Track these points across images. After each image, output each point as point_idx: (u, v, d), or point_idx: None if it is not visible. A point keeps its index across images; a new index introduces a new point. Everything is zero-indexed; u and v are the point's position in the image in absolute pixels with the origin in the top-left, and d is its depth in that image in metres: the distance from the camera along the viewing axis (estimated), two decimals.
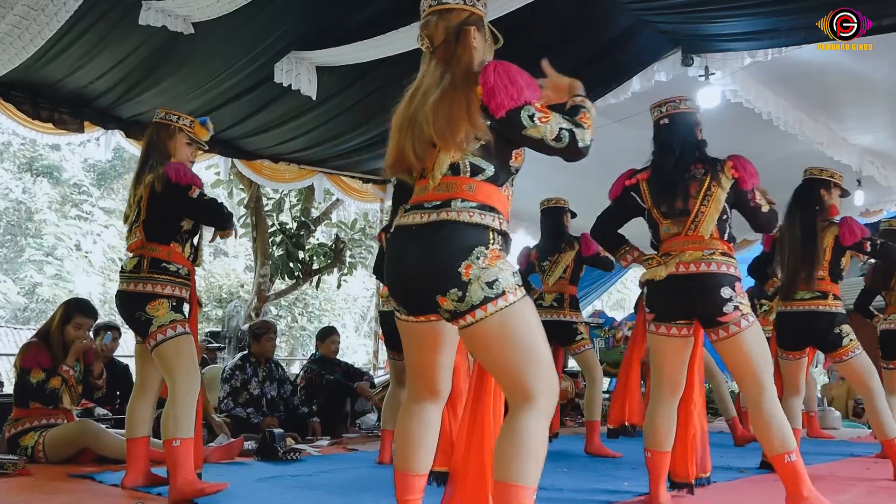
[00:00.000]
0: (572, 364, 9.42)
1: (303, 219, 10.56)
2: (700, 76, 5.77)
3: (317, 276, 10.87)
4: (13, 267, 19.48)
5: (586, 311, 12.00)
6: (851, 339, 3.99)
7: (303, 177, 7.42)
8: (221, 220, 3.33)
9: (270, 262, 10.02)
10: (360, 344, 21.61)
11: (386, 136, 2.25)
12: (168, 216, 3.30)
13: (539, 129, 2.02)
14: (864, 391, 4.10)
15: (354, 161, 7.44)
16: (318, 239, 11.48)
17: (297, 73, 5.22)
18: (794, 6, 5.00)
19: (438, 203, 2.05)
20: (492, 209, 2.06)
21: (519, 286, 2.02)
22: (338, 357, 6.64)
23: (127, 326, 3.55)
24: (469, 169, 2.06)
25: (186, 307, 3.36)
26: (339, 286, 12.24)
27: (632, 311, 8.09)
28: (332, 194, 8.85)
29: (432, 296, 2.01)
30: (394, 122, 2.20)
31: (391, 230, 2.25)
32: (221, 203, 3.34)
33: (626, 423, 3.80)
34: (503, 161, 2.10)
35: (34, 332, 4.50)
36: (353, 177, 7.86)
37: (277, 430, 4.61)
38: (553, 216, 5.27)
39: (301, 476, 3.88)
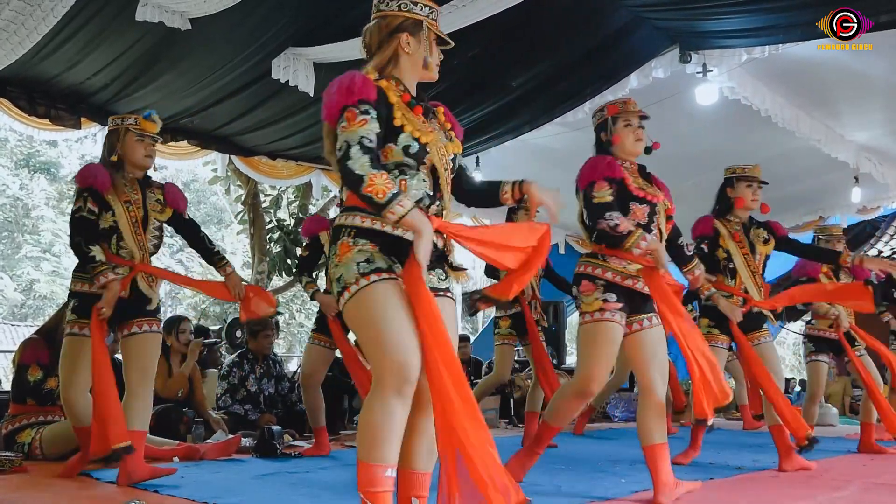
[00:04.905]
0: (570, 362, 9.44)
1: (300, 215, 10.54)
2: (697, 73, 5.77)
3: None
4: (10, 263, 19.46)
5: None
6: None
7: (300, 173, 7.40)
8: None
9: (268, 259, 10.00)
10: None
11: None
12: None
13: (339, 139, 2.05)
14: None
15: None
16: None
17: (295, 70, 5.21)
18: (791, 3, 5.00)
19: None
20: (354, 208, 2.12)
21: (363, 275, 2.05)
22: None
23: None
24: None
25: None
26: None
27: None
28: (330, 191, 8.83)
29: None
30: None
31: None
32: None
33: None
34: None
35: (32, 329, 4.50)
36: None
37: (275, 427, 4.62)
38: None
39: (298, 473, 3.88)
